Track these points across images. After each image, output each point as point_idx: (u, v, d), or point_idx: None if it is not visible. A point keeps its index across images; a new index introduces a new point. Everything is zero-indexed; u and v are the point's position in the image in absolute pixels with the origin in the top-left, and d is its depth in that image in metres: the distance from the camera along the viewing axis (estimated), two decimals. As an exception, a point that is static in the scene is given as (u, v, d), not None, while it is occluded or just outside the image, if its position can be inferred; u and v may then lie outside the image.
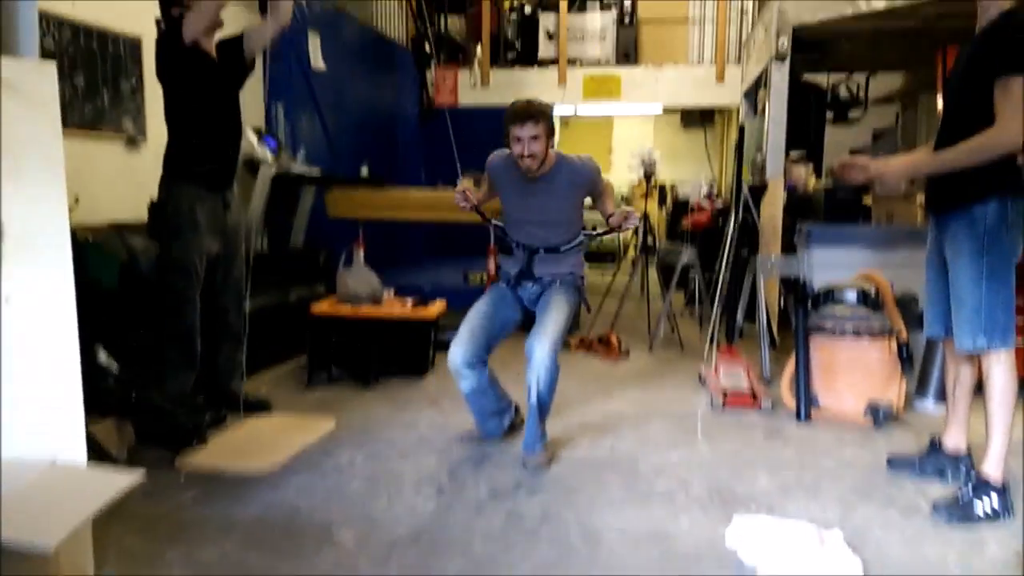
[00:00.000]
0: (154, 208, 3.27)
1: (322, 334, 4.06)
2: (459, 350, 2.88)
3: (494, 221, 3.15)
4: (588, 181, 2.96)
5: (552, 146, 2.88)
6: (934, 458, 2.80)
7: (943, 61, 5.42)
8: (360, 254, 4.28)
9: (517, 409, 3.22)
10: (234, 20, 3.43)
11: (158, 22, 4.19)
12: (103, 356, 2.94)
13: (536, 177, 2.90)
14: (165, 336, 3.16)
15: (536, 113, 2.76)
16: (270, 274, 4.28)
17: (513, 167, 2.91)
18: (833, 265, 4.06)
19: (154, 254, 3.58)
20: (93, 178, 4.00)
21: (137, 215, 3.92)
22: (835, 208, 5.83)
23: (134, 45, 4.26)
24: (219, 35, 3.27)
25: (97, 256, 3.28)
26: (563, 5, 8.18)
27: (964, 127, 2.44)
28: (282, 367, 4.28)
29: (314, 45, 5.95)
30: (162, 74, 3.17)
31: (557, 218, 2.96)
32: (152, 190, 3.27)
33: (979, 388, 2.59)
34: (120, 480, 1.84)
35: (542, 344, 2.75)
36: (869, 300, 3.59)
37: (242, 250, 3.45)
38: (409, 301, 4.20)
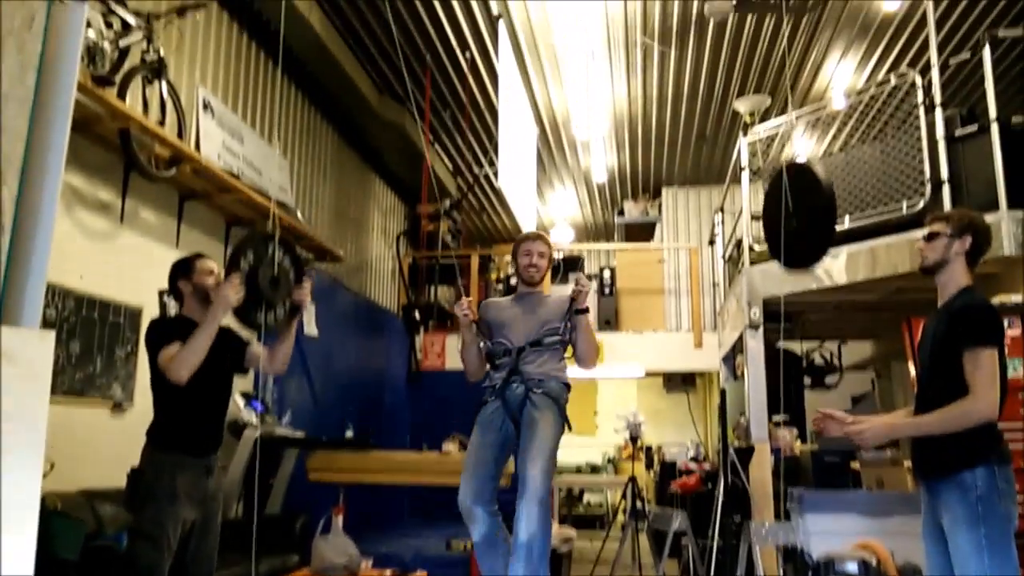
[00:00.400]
0: (133, 475, 3.16)
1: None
2: (465, 488, 2.85)
3: (485, 343, 3.20)
4: (570, 299, 3.15)
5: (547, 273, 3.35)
6: None
7: (909, 332, 5.71)
8: (339, 520, 4.12)
9: None
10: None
11: (162, 294, 4.43)
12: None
13: (530, 294, 3.29)
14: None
15: (545, 237, 3.37)
16: (242, 543, 4.07)
17: (504, 299, 3.35)
18: (829, 532, 3.92)
19: (121, 522, 3.43)
20: (73, 443, 3.93)
21: (113, 482, 3.79)
22: (823, 472, 5.78)
23: (134, 314, 4.41)
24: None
25: (61, 524, 3.14)
26: (546, 277, 8.69)
27: (939, 398, 2.51)
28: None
29: (309, 313, 6.21)
30: (154, 345, 3.19)
31: (544, 317, 3.17)
32: (133, 457, 3.21)
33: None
34: None
35: (534, 474, 2.75)
36: (871, 572, 3.43)
37: (218, 518, 3.30)
38: (388, 573, 3.96)
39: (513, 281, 9.25)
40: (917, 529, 2.70)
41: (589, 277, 9.25)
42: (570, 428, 3.23)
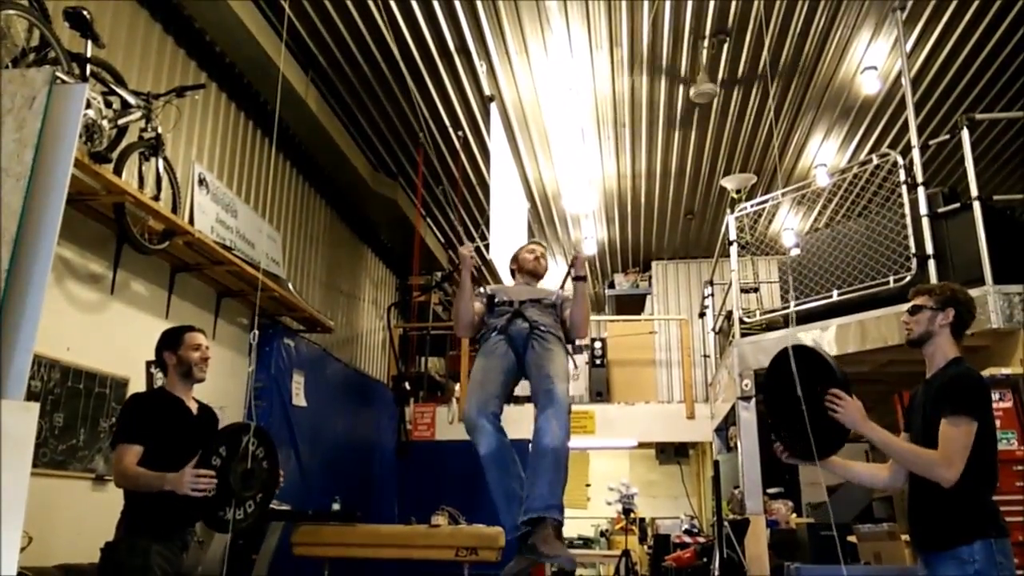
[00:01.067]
0: (106, 550, 3.08)
1: None
2: (471, 402, 2.84)
3: (483, 288, 3.35)
4: (566, 272, 3.35)
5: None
6: None
7: (901, 404, 5.68)
8: (323, 599, 4.00)
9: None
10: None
11: (149, 364, 4.41)
12: None
13: (528, 283, 3.48)
14: None
15: (540, 243, 3.66)
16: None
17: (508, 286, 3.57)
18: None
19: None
20: (53, 517, 3.85)
21: (92, 557, 3.70)
22: (820, 546, 5.67)
23: (120, 384, 4.38)
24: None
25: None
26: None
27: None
28: None
29: (297, 383, 6.19)
30: (120, 431, 3.14)
31: (544, 296, 3.30)
32: (110, 530, 3.14)
33: None
34: None
35: (559, 386, 2.79)
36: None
37: (193, 598, 3.21)
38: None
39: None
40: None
41: (580, 349, 9.34)
42: (575, 366, 3.35)
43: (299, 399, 6.14)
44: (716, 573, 4.50)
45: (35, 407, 1.96)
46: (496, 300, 3.25)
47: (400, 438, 8.16)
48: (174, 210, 4.52)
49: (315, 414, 6.41)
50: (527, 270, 3.49)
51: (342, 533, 4.97)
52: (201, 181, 5.16)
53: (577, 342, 3.26)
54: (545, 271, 3.55)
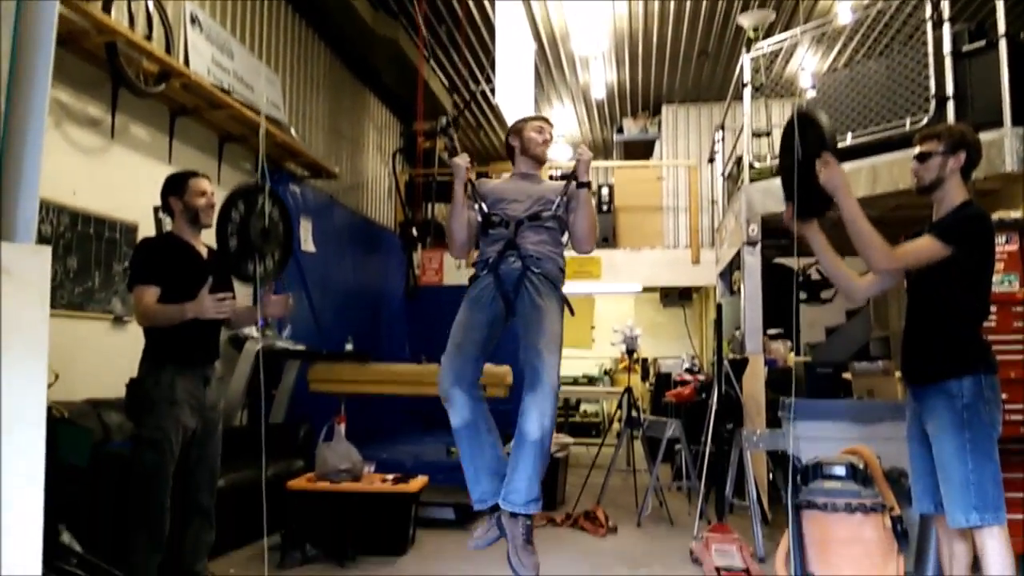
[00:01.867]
0: (132, 384, 3.25)
1: (298, 510, 3.92)
2: (446, 369, 2.59)
3: (479, 207, 2.92)
4: (571, 174, 2.93)
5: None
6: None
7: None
8: (341, 429, 4.23)
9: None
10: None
11: (156, 210, 4.43)
12: (66, 536, 2.80)
13: (529, 175, 3.05)
14: (133, 516, 3.03)
15: (548, 119, 3.12)
16: (248, 449, 4.19)
17: (503, 178, 3.10)
18: (818, 439, 4.03)
19: (129, 431, 3.53)
20: (76, 356, 4.01)
21: (116, 392, 3.88)
22: (816, 383, 5.90)
23: (130, 230, 4.43)
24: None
25: (69, 433, 3.22)
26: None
27: (929, 304, 2.61)
28: (255, 546, 4.08)
29: (305, 229, 6.22)
30: (133, 275, 3.23)
31: (541, 193, 2.93)
32: (134, 368, 3.28)
33: (976, 564, 2.52)
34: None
35: (549, 364, 2.49)
36: (858, 475, 3.54)
37: (219, 428, 3.40)
38: (390, 476, 4.10)
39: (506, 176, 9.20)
40: (904, 435, 2.78)
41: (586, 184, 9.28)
42: (572, 312, 2.93)
43: (308, 245, 6.21)
44: (714, 408, 4.70)
45: (47, 250, 1.98)
46: (491, 214, 2.89)
47: (409, 283, 8.32)
48: (167, 51, 4.36)
49: (324, 260, 6.50)
50: (533, 154, 3.05)
51: (356, 371, 5.18)
52: (193, 20, 4.94)
53: (581, 179, 2.88)
54: (545, 160, 3.15)
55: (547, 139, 3.05)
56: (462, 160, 2.88)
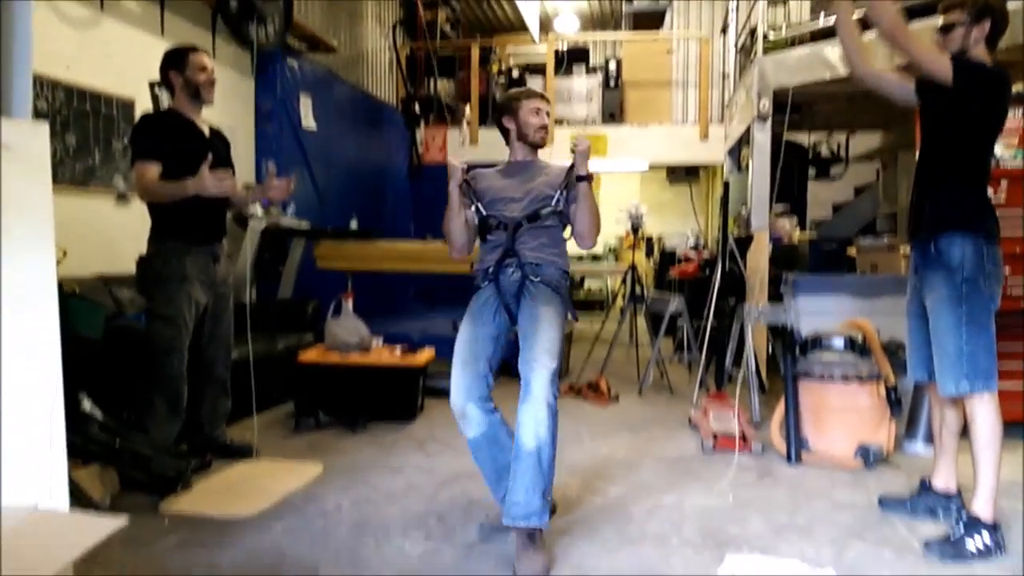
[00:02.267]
0: (142, 262, 3.28)
1: (310, 382, 4.05)
2: (456, 387, 2.53)
3: (476, 208, 2.74)
4: (570, 166, 2.71)
5: None
6: (925, 498, 2.79)
7: (921, 120, 5.58)
8: (349, 304, 4.29)
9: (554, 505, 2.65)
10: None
11: (153, 85, 4.33)
12: (87, 404, 2.91)
13: (527, 163, 2.83)
14: (152, 386, 3.14)
15: (544, 95, 2.86)
16: (258, 323, 4.27)
17: (494, 170, 2.86)
18: (819, 313, 4.10)
19: (141, 305, 3.60)
20: (82, 233, 4.02)
21: (125, 268, 3.94)
22: (820, 259, 5.92)
23: (127, 106, 4.34)
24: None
25: (82, 307, 3.28)
26: (549, 70, 8.42)
27: (941, 159, 2.60)
28: (269, 414, 4.24)
29: (305, 105, 6.09)
30: (135, 151, 3.19)
31: (540, 187, 2.74)
32: (141, 245, 3.30)
33: (965, 430, 2.61)
34: (103, 526, 1.81)
35: (540, 375, 2.38)
36: (856, 346, 3.62)
37: (231, 303, 3.47)
38: (397, 349, 4.20)
39: (515, 74, 8.94)
40: (904, 309, 2.81)
41: (593, 69, 9.00)
42: (575, 318, 2.84)
43: (308, 121, 6.09)
44: (717, 283, 4.74)
45: (45, 125, 1.96)
46: (488, 216, 2.71)
47: (412, 161, 8.22)
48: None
49: (326, 137, 6.39)
50: (531, 141, 2.81)
51: (362, 249, 5.21)
52: None
53: (580, 173, 2.64)
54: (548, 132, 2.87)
55: (545, 122, 2.79)
56: (457, 161, 2.72)
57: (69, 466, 2.00)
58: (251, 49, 3.09)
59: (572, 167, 2.68)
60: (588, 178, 2.66)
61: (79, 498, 2.46)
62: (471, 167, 2.80)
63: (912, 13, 4.51)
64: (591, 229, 2.71)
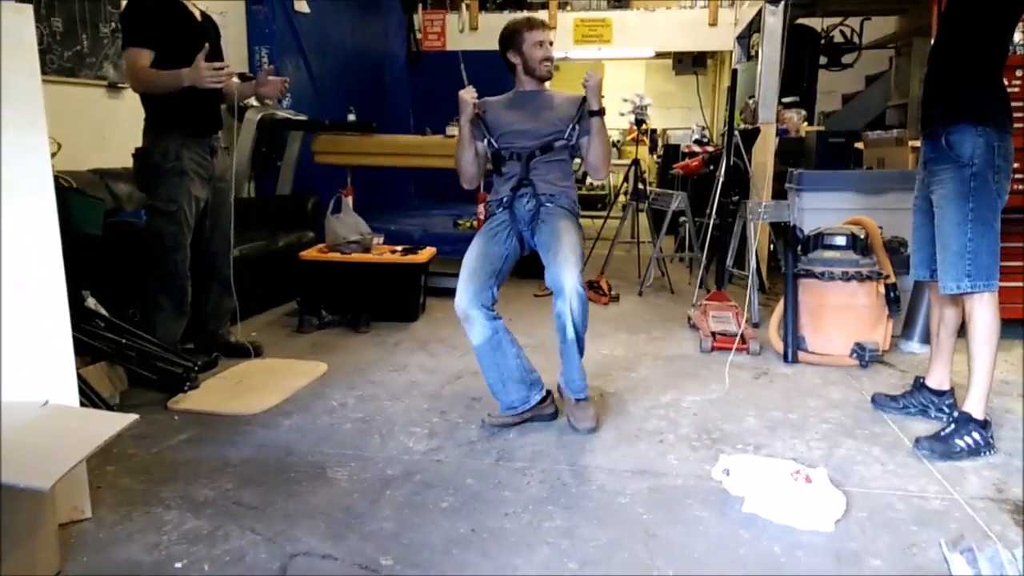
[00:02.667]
0: (139, 155, 3.22)
1: (312, 280, 4.06)
2: (461, 290, 2.63)
3: (488, 141, 2.83)
4: (581, 99, 2.80)
5: None
6: (918, 395, 2.85)
7: (938, 4, 5.35)
8: (348, 201, 4.25)
9: (549, 394, 2.83)
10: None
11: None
12: (91, 301, 2.92)
13: (535, 92, 2.89)
14: (155, 282, 3.15)
15: (547, 24, 2.90)
16: (258, 220, 4.25)
17: (504, 98, 2.91)
18: (823, 210, 4.06)
19: (139, 199, 3.55)
20: (75, 125, 3.93)
21: (121, 162, 3.86)
22: (827, 153, 5.81)
23: (112, -13, 4.15)
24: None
25: (80, 201, 3.23)
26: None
27: (954, 45, 2.53)
28: (272, 313, 4.28)
29: (297, -14, 5.82)
30: (126, 36, 3.08)
31: (551, 119, 2.83)
32: (135, 137, 3.22)
33: (962, 329, 2.63)
34: (114, 422, 1.85)
35: (569, 271, 2.53)
36: (858, 244, 3.60)
37: (230, 196, 3.42)
38: (399, 248, 4.19)
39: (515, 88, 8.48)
40: (909, 205, 2.77)
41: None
42: (582, 234, 2.91)
43: (301, 4, 5.83)
44: (721, 180, 4.67)
45: (29, 8, 1.87)
46: (501, 149, 2.79)
47: (410, 48, 7.94)
48: None
49: (320, 21, 6.14)
50: (539, 75, 2.85)
51: (360, 143, 5.10)
52: None
53: (592, 107, 2.72)
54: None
55: (549, 55, 2.83)
56: (468, 95, 2.73)
57: (76, 363, 2.03)
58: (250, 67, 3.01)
59: (584, 101, 2.75)
60: (600, 112, 2.74)
61: (88, 396, 2.50)
62: (481, 98, 2.81)
63: None
64: (603, 161, 2.81)
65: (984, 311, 2.48)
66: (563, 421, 2.77)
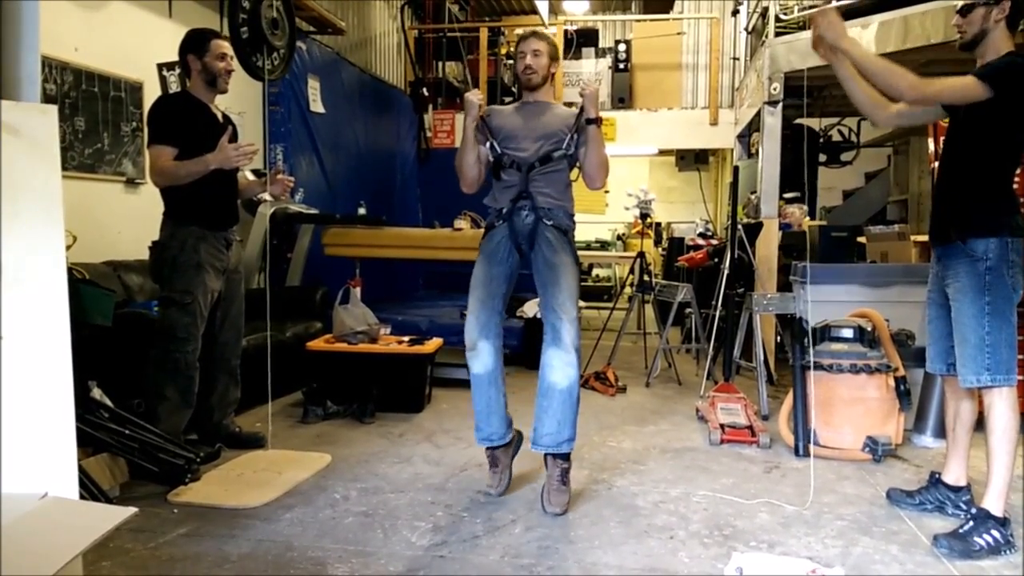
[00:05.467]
0: (156, 247, 3.27)
1: (318, 370, 4.05)
2: (472, 322, 2.76)
3: (490, 145, 2.90)
4: (580, 110, 2.87)
5: (553, 74, 3.00)
6: (935, 491, 2.79)
7: (934, 130, 5.52)
8: (356, 292, 4.30)
9: (521, 436, 3.03)
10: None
11: (161, 67, 4.31)
12: (97, 392, 2.92)
13: (536, 103, 2.96)
14: (164, 374, 3.13)
15: (541, 34, 3.02)
16: (266, 311, 4.26)
17: (508, 107, 3.04)
18: (828, 302, 4.07)
19: (150, 291, 3.60)
20: (91, 219, 4.02)
21: (134, 254, 3.94)
22: (830, 247, 5.88)
23: (135, 88, 4.33)
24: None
25: (91, 292, 3.28)
26: (550, 82, 8.33)
27: (967, 153, 2.54)
28: (277, 403, 4.25)
29: (313, 89, 6.06)
30: (151, 134, 3.19)
31: (551, 128, 2.88)
32: (149, 231, 3.29)
33: (980, 423, 2.59)
34: (112, 515, 1.82)
35: (568, 323, 2.65)
36: (865, 337, 3.59)
37: (242, 289, 3.47)
38: (406, 338, 4.20)
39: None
40: (915, 298, 2.79)
41: (603, 51, 8.91)
42: (579, 265, 2.98)
43: (316, 105, 6.06)
44: (725, 272, 4.71)
45: (53, 109, 1.94)
46: (502, 154, 2.87)
47: (420, 145, 8.19)
48: None
49: (334, 121, 6.36)
50: (521, 83, 2.97)
51: (370, 235, 5.19)
52: None
53: (589, 115, 2.81)
54: (546, 75, 2.94)
55: (528, 63, 2.89)
56: (474, 96, 2.85)
57: (78, 455, 2.01)
58: (260, 77, 3.21)
59: (582, 110, 2.83)
60: (597, 120, 2.82)
61: (88, 487, 2.46)
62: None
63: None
64: (600, 170, 2.89)
65: (1003, 406, 2.45)
66: (568, 509, 2.71)
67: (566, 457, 2.79)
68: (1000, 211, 2.48)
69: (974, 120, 2.50)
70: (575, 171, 2.97)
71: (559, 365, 2.65)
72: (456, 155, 2.94)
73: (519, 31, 9.80)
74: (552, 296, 2.72)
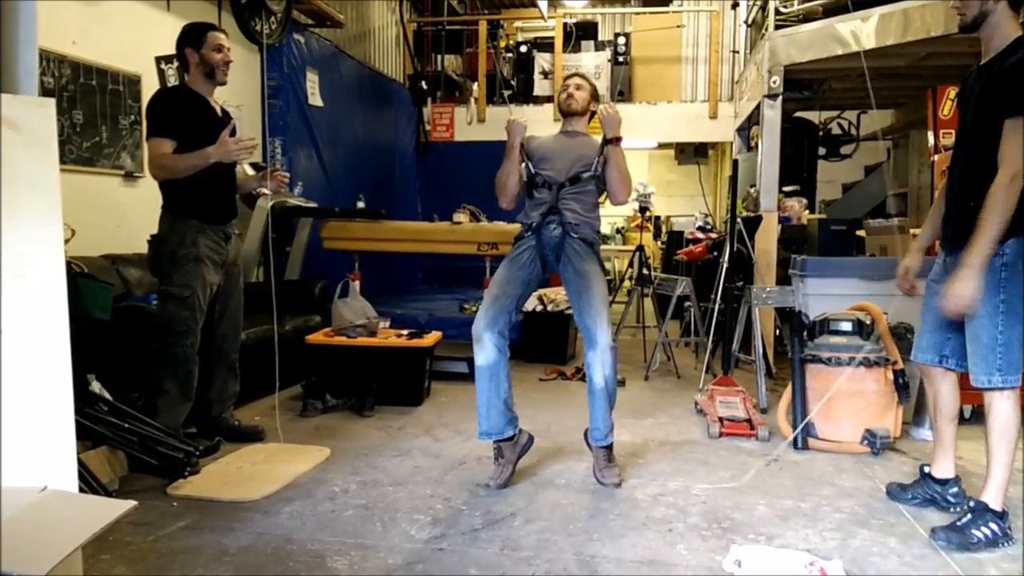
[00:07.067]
0: (155, 241, 3.27)
1: (317, 363, 4.05)
2: (481, 315, 2.93)
3: (526, 166, 3.13)
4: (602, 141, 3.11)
5: (593, 113, 3.24)
6: (924, 486, 2.78)
7: (934, 100, 5.53)
8: (356, 285, 4.30)
9: (531, 439, 3.12)
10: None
11: (159, 61, 4.29)
12: (96, 385, 2.92)
13: (571, 133, 3.23)
14: (163, 368, 3.14)
15: (587, 77, 3.33)
16: (266, 304, 4.26)
17: (546, 136, 3.28)
18: (827, 296, 4.07)
19: (148, 284, 3.59)
20: (90, 213, 4.02)
21: (133, 247, 3.93)
22: (828, 240, 5.88)
23: (133, 82, 4.32)
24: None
25: (90, 286, 3.27)
26: (558, 45, 8.33)
27: (977, 163, 2.42)
28: (276, 396, 4.24)
29: (312, 82, 6.05)
30: (150, 127, 3.18)
31: (581, 152, 3.13)
32: (148, 224, 3.29)
33: (976, 418, 2.57)
34: (111, 508, 1.82)
35: (602, 328, 2.88)
36: (864, 330, 3.60)
37: (241, 282, 3.47)
38: (405, 332, 4.20)
39: (523, 50, 8.85)
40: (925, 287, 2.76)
41: (602, 44, 8.89)
42: (607, 273, 3.27)
43: (315, 98, 6.05)
44: (725, 265, 4.72)
45: (51, 102, 1.94)
46: (535, 174, 3.11)
47: (419, 139, 8.18)
48: None
49: (333, 114, 6.35)
50: (562, 110, 3.27)
51: (369, 229, 5.19)
52: None
53: (608, 136, 3.06)
54: (586, 106, 3.22)
55: (570, 92, 3.19)
56: (521, 121, 3.12)
57: (77, 448, 2.01)
58: (257, 42, 3.18)
59: (604, 133, 3.09)
60: (617, 140, 3.07)
61: (88, 480, 2.47)
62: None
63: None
64: (622, 184, 3.12)
65: (1004, 405, 2.42)
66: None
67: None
68: (1019, 211, 2.41)
69: (986, 122, 2.41)
70: (603, 195, 3.22)
71: (597, 366, 2.90)
72: (498, 173, 3.13)
73: (518, 24, 9.81)
74: (586, 302, 2.94)
